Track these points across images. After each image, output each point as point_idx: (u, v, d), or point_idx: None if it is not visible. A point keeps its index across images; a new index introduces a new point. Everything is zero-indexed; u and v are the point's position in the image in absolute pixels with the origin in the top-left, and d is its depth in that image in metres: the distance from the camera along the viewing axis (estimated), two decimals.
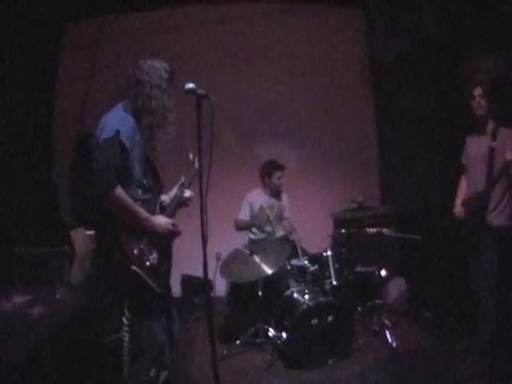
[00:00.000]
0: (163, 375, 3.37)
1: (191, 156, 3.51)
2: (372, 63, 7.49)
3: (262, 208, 5.74)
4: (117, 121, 3.02)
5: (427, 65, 6.32)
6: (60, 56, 6.53)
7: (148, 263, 3.03)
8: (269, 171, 5.90)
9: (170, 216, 3.30)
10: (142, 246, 3.04)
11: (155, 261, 3.09)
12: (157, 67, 3.16)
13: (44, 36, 5.99)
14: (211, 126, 2.87)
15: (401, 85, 6.94)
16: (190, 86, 2.86)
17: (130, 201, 2.96)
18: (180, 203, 3.43)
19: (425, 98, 6.56)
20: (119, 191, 2.89)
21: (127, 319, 3.14)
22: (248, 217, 5.85)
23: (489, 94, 4.26)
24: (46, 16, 5.87)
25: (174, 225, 3.22)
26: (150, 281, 3.01)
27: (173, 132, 3.23)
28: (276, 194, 6.02)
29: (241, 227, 5.89)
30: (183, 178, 3.46)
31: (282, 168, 5.90)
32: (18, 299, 3.52)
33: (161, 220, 3.16)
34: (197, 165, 2.99)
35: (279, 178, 5.88)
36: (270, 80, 7.33)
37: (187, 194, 3.44)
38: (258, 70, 7.30)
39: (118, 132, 2.94)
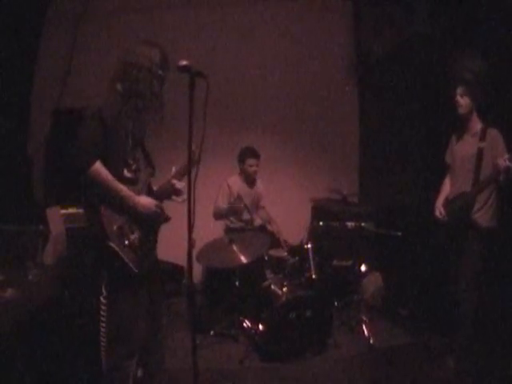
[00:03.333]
0: (154, 362, 3.37)
1: (194, 146, 3.43)
2: (359, 57, 7.42)
3: (239, 196, 5.66)
4: (102, 98, 3.00)
5: (414, 62, 6.27)
6: (43, 29, 6.28)
7: (127, 241, 2.99)
8: (243, 157, 5.83)
9: (158, 199, 3.23)
10: (121, 224, 2.99)
11: (135, 240, 3.04)
12: (148, 51, 3.11)
13: (29, 8, 5.75)
14: (205, 106, 2.75)
15: (386, 81, 6.90)
16: (184, 63, 2.76)
17: (109, 177, 2.91)
18: (171, 191, 3.37)
19: (409, 96, 6.50)
20: (98, 166, 2.86)
21: (105, 298, 3.08)
22: (226, 204, 5.73)
23: (472, 93, 4.21)
24: None
25: (158, 206, 3.16)
26: (126, 259, 2.95)
27: (160, 119, 3.19)
28: (250, 181, 5.93)
29: (220, 215, 5.76)
30: (174, 168, 3.38)
31: (256, 156, 5.82)
32: None
33: (144, 200, 3.09)
34: (196, 156, 3.07)
35: (251, 166, 5.80)
36: (253, 68, 7.22)
37: (178, 185, 3.37)
38: (242, 58, 7.18)
39: (100, 109, 2.92)
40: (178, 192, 3.36)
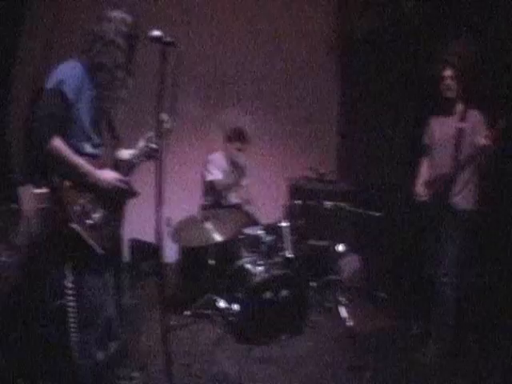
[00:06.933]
0: (114, 346, 3.26)
1: (164, 116, 3.34)
2: (341, 35, 7.34)
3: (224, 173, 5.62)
4: (63, 71, 2.88)
5: (397, 44, 6.22)
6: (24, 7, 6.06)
7: (89, 221, 2.91)
8: (230, 137, 5.67)
9: (127, 172, 3.19)
10: (83, 203, 2.91)
11: (98, 220, 2.96)
12: (114, 19, 2.98)
13: None
14: (176, 76, 2.71)
15: (369, 61, 6.86)
16: (156, 33, 2.74)
17: (69, 152, 2.82)
18: (146, 156, 3.27)
19: (391, 77, 6.44)
20: (57, 142, 2.77)
21: (71, 282, 2.99)
22: (221, 176, 5.61)
23: (459, 76, 4.20)
24: None
25: (121, 180, 3.06)
26: (90, 240, 2.88)
27: (125, 92, 3.12)
28: (234, 162, 5.78)
29: (223, 187, 5.60)
30: (151, 133, 3.25)
31: (244, 141, 5.65)
32: None
33: (106, 174, 3.02)
34: (168, 124, 3.01)
35: (238, 150, 5.64)
36: (234, 41, 7.12)
37: (153, 145, 3.25)
38: (224, 30, 7.07)
39: (60, 82, 2.80)
40: (155, 151, 3.18)
